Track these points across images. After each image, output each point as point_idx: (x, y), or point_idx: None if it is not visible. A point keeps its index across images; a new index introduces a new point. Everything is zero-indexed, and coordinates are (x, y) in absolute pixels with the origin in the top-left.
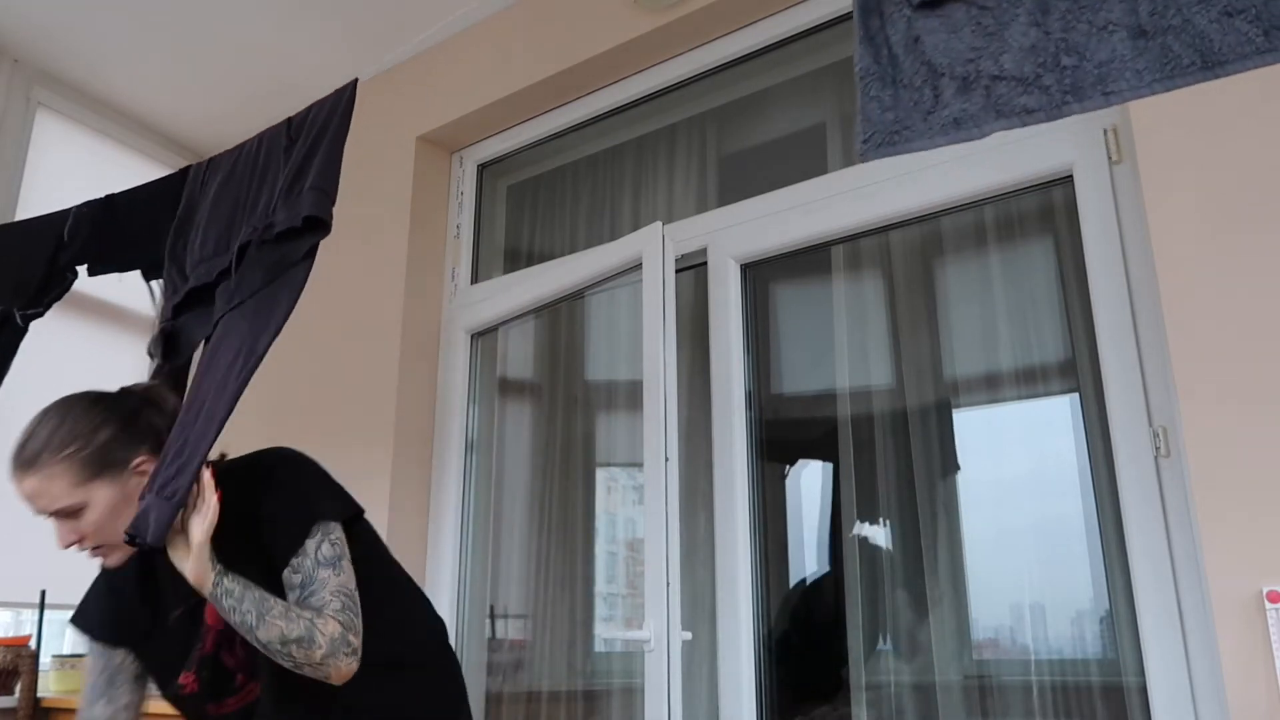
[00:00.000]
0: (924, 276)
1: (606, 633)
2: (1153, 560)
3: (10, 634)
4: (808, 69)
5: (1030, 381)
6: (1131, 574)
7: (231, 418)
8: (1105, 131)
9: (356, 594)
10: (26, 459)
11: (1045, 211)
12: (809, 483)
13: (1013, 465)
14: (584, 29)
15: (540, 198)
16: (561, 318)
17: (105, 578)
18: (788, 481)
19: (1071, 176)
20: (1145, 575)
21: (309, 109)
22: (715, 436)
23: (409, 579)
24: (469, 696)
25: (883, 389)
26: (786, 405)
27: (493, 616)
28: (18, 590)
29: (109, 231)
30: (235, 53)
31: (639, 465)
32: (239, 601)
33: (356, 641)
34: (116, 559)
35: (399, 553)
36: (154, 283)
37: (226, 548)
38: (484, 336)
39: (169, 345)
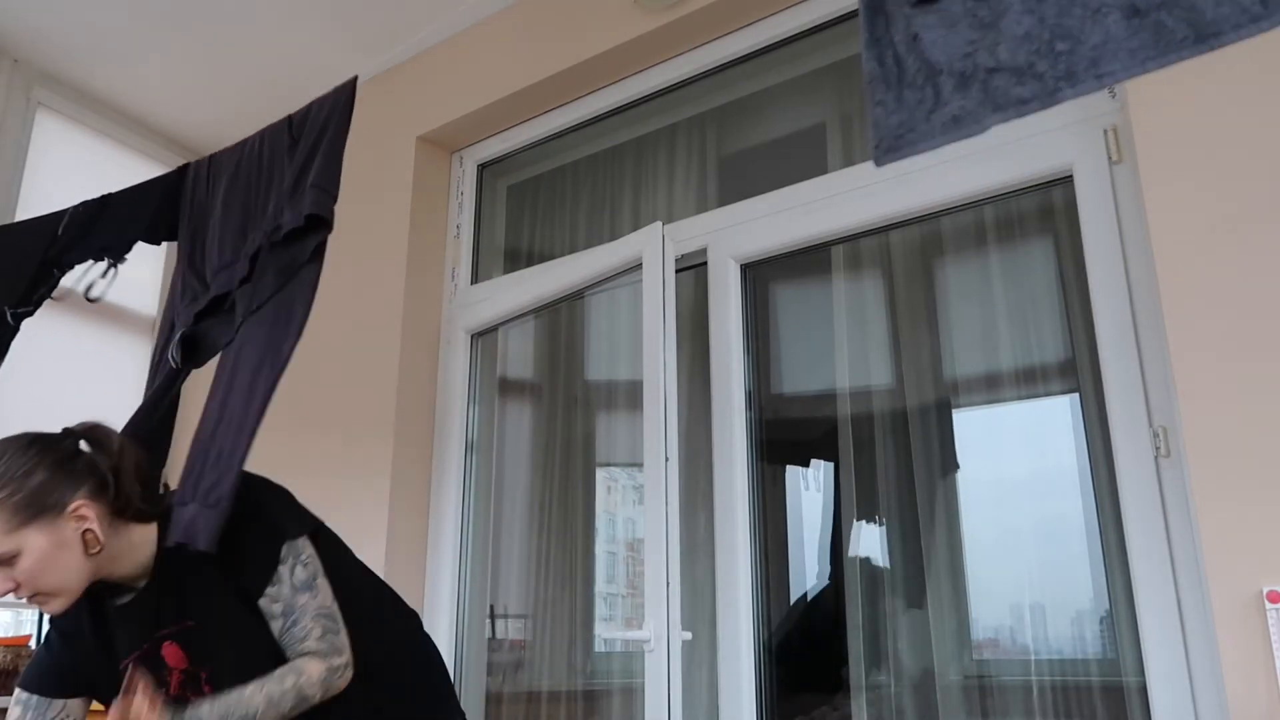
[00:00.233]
0: (924, 276)
1: (606, 633)
2: (1153, 560)
3: (10, 634)
4: (808, 69)
5: (1030, 381)
6: (1131, 574)
7: None
8: (1105, 131)
9: (334, 607)
10: None
11: (1045, 211)
12: (809, 482)
13: (1013, 465)
14: (584, 29)
15: (540, 198)
16: (561, 318)
17: (57, 627)
18: (788, 481)
19: (1071, 176)
20: (1145, 575)
21: (309, 107)
22: (715, 436)
23: (373, 580)
24: (467, 692)
25: (883, 389)
26: (786, 405)
27: (493, 616)
28: None
29: (98, 227)
30: (235, 53)
31: (639, 465)
32: (225, 718)
33: (342, 659)
34: (57, 606)
35: (399, 553)
36: (110, 265)
37: (197, 586)
38: (484, 336)
39: (190, 351)
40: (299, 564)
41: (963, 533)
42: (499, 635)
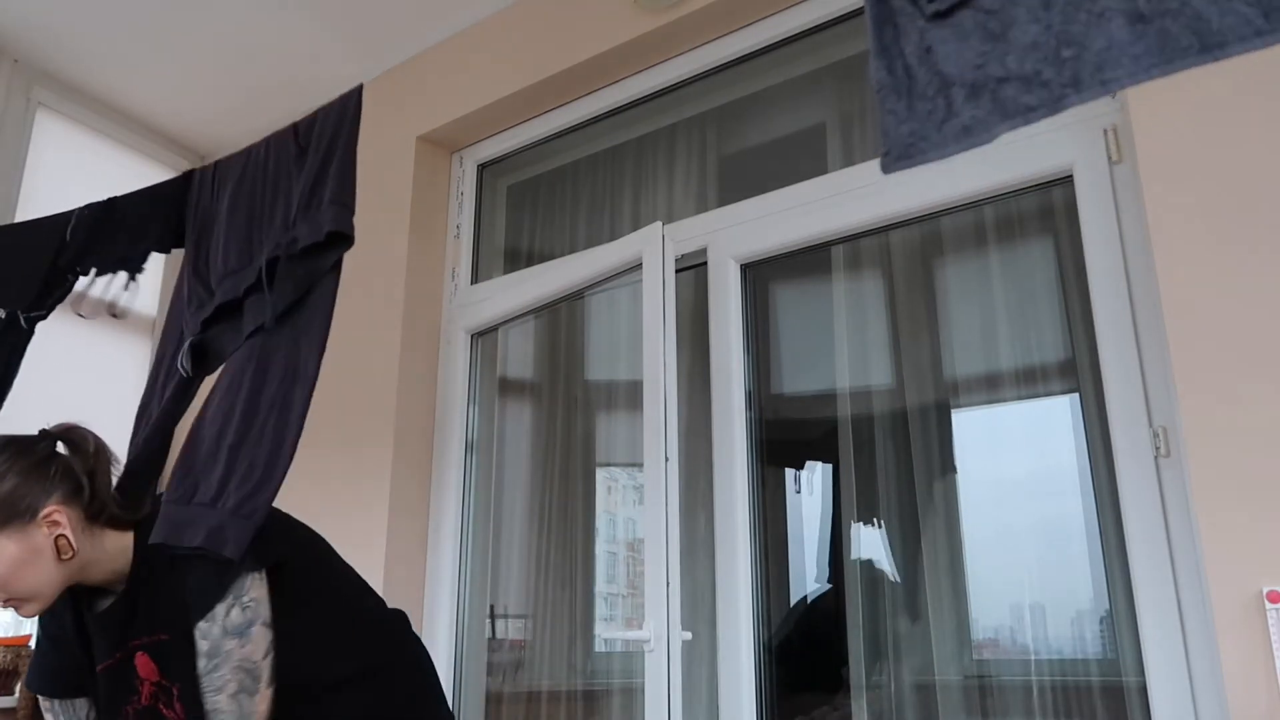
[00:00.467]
0: (924, 276)
1: (606, 633)
2: (1153, 560)
3: (10, 634)
4: (808, 69)
5: (1030, 381)
6: (1131, 574)
7: None
8: (1105, 131)
9: (263, 663)
10: None
11: (1045, 211)
12: (809, 482)
13: (1013, 465)
14: (584, 29)
15: (540, 198)
16: (561, 318)
17: (44, 630)
18: (787, 480)
19: (1071, 176)
20: (1145, 575)
21: (315, 115)
22: (715, 436)
23: (358, 586)
24: (467, 692)
25: (883, 389)
26: (786, 405)
27: (493, 616)
28: None
29: (109, 233)
30: (235, 53)
31: (639, 465)
32: None
33: None
34: (32, 610)
35: (399, 552)
36: (129, 277)
37: (171, 597)
38: (484, 336)
39: (199, 358)
40: (238, 605)
41: (963, 533)
42: (499, 635)
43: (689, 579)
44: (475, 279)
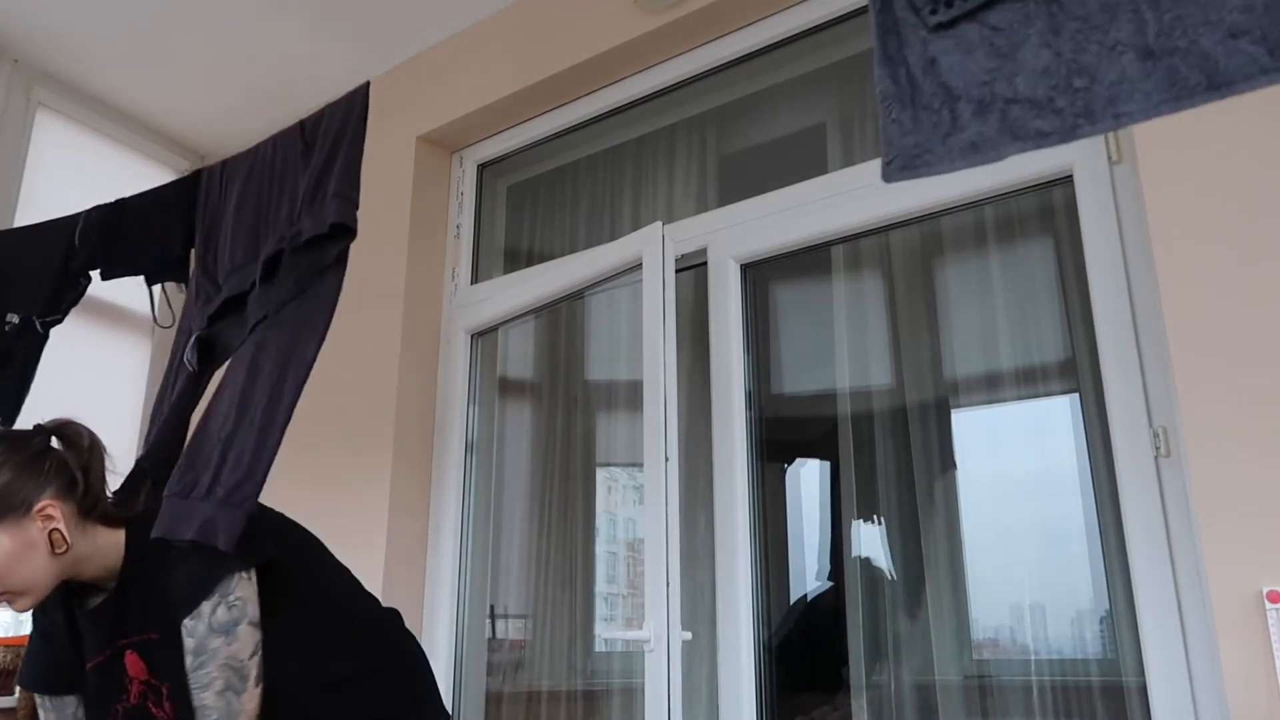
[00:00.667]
0: (924, 276)
1: (606, 633)
2: (1153, 560)
3: (10, 634)
4: (808, 69)
5: (1030, 381)
6: (1131, 574)
7: None
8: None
9: (250, 662)
10: None
11: (1045, 211)
12: (809, 482)
13: (1013, 465)
14: (584, 29)
15: (540, 198)
16: (561, 318)
17: (36, 625)
18: (787, 480)
19: (1071, 176)
20: (1145, 575)
21: (322, 112)
22: (715, 436)
23: (351, 585)
24: (467, 692)
25: (882, 389)
26: (786, 405)
27: (493, 616)
28: None
29: (119, 236)
30: (235, 53)
31: (639, 465)
32: None
33: None
34: (25, 605)
35: (399, 552)
36: (155, 287)
37: (162, 595)
38: (484, 336)
39: (206, 353)
40: (224, 604)
41: (963, 533)
42: (499, 635)
43: (689, 579)
44: (475, 279)
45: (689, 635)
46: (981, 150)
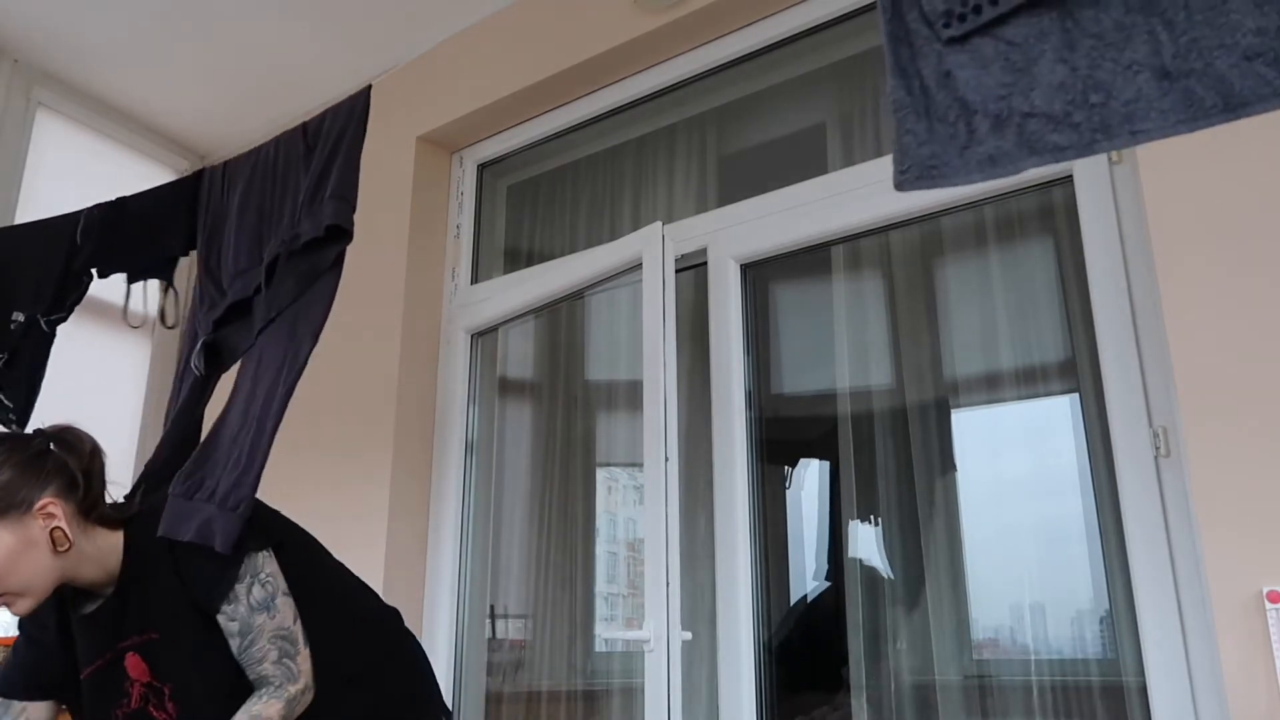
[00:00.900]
0: (924, 276)
1: (606, 633)
2: (1153, 560)
3: (10, 634)
4: (808, 69)
5: (1030, 381)
6: (1131, 574)
7: None
8: None
9: (295, 627)
10: None
11: (1045, 212)
12: (809, 482)
13: (1013, 465)
14: (584, 29)
15: (540, 198)
16: (561, 318)
17: (24, 630)
18: (787, 482)
19: (1071, 177)
20: (1145, 575)
21: (324, 115)
22: (715, 436)
23: (352, 584)
24: (467, 692)
25: (882, 389)
26: (786, 405)
27: (493, 616)
28: None
29: (119, 234)
30: (235, 53)
31: (639, 465)
32: None
33: (298, 686)
34: (24, 606)
35: (399, 553)
36: (148, 283)
37: (162, 596)
38: (484, 336)
39: (212, 357)
40: (256, 582)
41: (962, 533)
42: (499, 635)
43: (689, 579)
44: (475, 279)
45: (689, 635)
46: (999, 164)
